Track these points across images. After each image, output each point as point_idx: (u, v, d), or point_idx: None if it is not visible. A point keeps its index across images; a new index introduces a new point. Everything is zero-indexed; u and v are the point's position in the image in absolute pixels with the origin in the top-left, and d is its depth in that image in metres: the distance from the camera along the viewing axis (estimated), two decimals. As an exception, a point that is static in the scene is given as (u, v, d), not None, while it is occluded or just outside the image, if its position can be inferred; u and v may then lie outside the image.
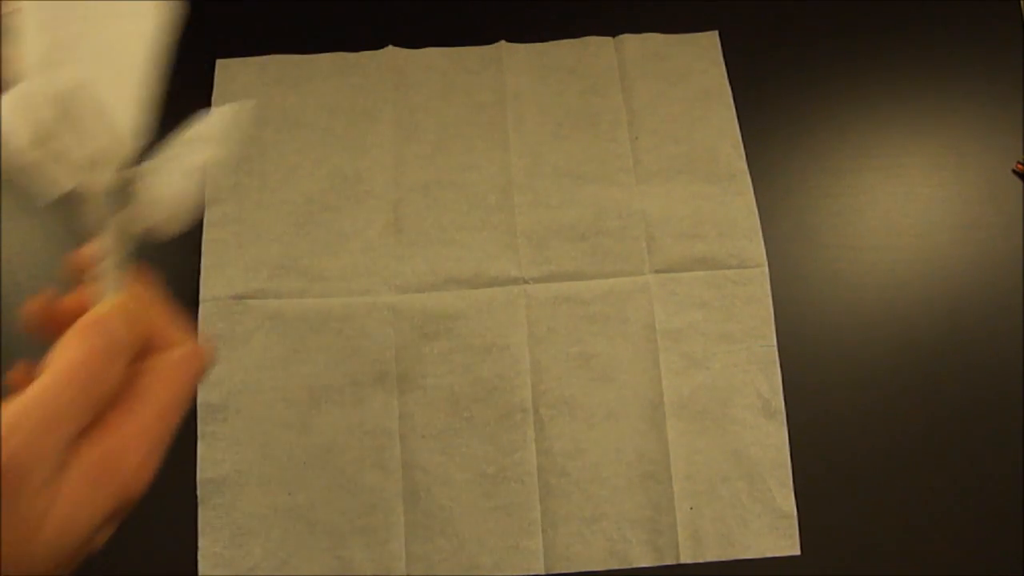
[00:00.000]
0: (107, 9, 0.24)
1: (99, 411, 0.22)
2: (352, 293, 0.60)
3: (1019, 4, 0.69)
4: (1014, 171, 0.64)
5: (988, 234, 0.63)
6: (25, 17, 0.24)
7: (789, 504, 0.56)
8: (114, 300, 0.25)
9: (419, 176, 0.63)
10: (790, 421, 0.58)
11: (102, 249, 0.25)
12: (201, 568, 0.55)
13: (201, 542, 0.55)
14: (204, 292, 0.60)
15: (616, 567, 0.55)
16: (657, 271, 0.61)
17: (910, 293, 0.61)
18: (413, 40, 0.67)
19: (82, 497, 0.21)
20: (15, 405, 0.21)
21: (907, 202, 0.64)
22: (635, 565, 0.55)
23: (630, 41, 0.67)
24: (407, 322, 0.59)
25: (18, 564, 0.20)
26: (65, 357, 0.22)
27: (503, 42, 0.67)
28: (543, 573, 0.55)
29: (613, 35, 0.68)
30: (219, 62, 0.66)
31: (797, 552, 0.55)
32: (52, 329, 0.25)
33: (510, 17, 0.68)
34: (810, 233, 0.63)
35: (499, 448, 0.57)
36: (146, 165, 0.25)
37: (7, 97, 0.24)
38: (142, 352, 0.25)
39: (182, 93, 0.67)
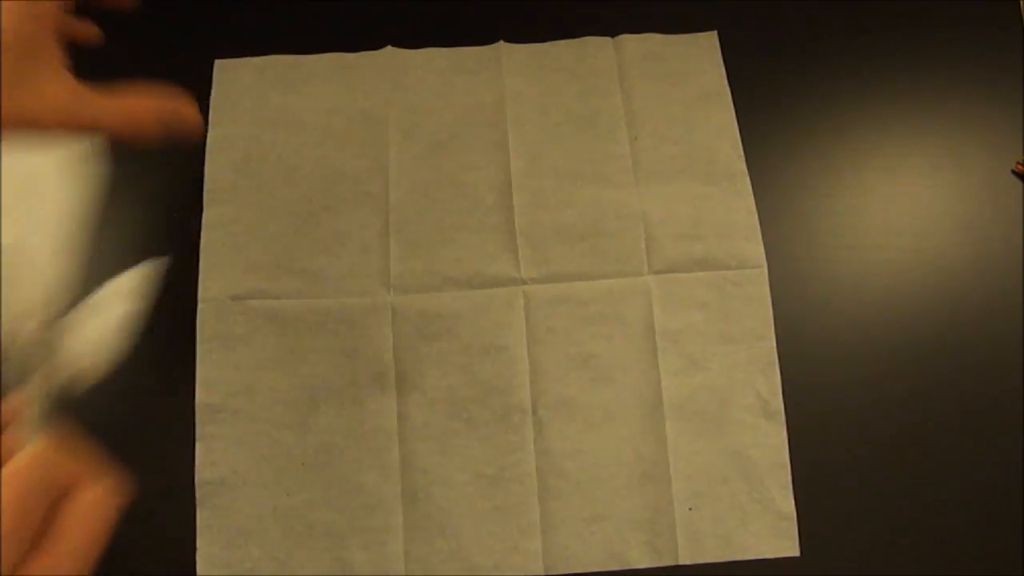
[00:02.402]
0: (36, 176, 0.26)
1: (22, 551, 0.24)
2: (350, 294, 0.60)
3: (1019, 5, 0.69)
4: (1014, 171, 0.64)
5: (988, 234, 0.63)
6: None
7: (788, 505, 0.56)
8: (33, 449, 0.26)
9: (418, 176, 0.63)
10: (789, 422, 0.58)
11: (26, 398, 0.27)
12: (200, 569, 0.54)
13: (199, 543, 0.55)
14: (202, 293, 0.59)
15: (615, 568, 0.55)
16: (656, 272, 0.61)
17: (910, 293, 0.61)
18: (412, 40, 0.67)
19: None
20: None
21: (907, 202, 0.64)
22: (634, 566, 0.55)
23: (629, 41, 0.67)
24: (406, 323, 0.59)
25: None
26: None
27: (502, 42, 0.67)
28: (542, 574, 0.55)
29: (612, 35, 0.68)
30: (218, 62, 0.66)
31: (797, 553, 0.55)
32: None
33: (509, 17, 0.68)
34: (810, 233, 0.63)
35: (498, 449, 0.57)
36: (68, 318, 0.27)
37: None
38: (63, 494, 0.26)
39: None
